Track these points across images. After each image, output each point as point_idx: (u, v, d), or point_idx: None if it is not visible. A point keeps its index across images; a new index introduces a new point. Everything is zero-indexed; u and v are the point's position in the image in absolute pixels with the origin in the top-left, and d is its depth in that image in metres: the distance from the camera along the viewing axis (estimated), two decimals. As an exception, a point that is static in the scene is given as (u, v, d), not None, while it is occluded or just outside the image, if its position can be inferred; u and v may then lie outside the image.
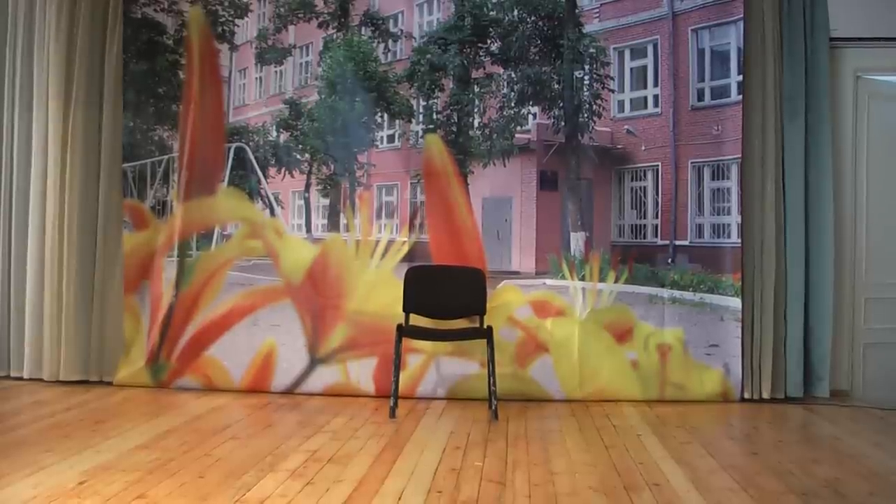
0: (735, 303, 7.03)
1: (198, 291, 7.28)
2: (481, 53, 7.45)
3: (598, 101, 7.41)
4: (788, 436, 6.15)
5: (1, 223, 7.48)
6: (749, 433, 6.30)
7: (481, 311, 6.88)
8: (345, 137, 7.53)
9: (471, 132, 7.45)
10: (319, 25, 7.62)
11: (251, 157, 7.55)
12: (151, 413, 6.31)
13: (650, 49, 7.39)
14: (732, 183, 7.16)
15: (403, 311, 6.83)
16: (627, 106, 7.48)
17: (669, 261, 7.27)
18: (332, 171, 7.60)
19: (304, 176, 7.64)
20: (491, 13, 7.45)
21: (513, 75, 7.45)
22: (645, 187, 7.42)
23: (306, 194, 7.63)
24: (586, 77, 7.45)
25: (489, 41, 7.45)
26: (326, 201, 7.63)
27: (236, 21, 7.67)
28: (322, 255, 7.25)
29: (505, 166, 7.44)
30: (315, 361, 7.15)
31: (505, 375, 6.79)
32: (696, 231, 7.29)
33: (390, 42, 7.63)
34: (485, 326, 6.73)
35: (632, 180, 7.47)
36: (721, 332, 7.07)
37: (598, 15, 7.43)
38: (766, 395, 6.95)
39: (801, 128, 7.04)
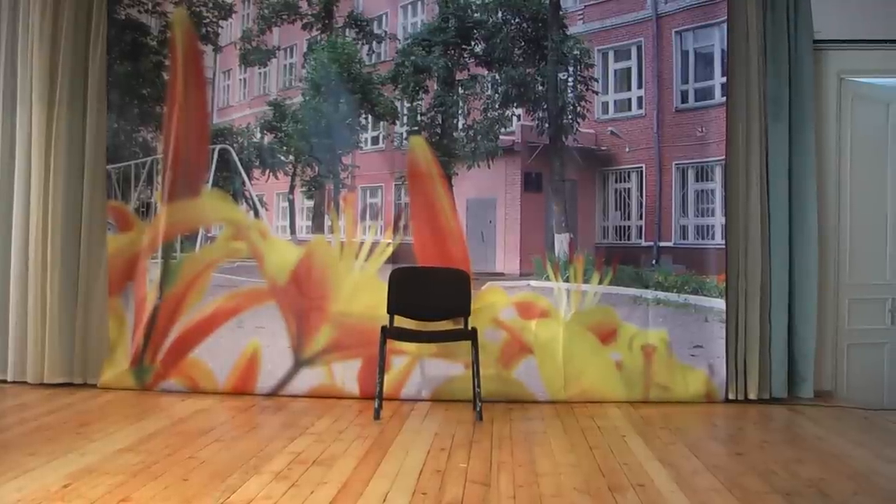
0: (719, 304, 7.05)
1: (182, 293, 7.26)
2: (465, 55, 7.46)
3: (583, 103, 7.42)
4: (772, 436, 6.17)
5: (-16, 225, 7.46)
6: (733, 434, 6.33)
7: (466, 312, 6.87)
8: (329, 139, 7.52)
9: (455, 134, 7.46)
10: (304, 27, 7.61)
11: (235, 158, 7.54)
12: (136, 415, 6.29)
13: (634, 51, 7.41)
14: (717, 184, 7.18)
15: (388, 312, 6.81)
16: (612, 107, 7.50)
17: (654, 262, 7.28)
18: (317, 173, 7.60)
19: (289, 177, 7.63)
20: (475, 15, 7.45)
21: (497, 77, 7.46)
22: (629, 189, 7.44)
23: (290, 196, 7.62)
24: (570, 79, 7.47)
25: (473, 43, 7.46)
26: (311, 203, 7.63)
27: (220, 22, 7.66)
28: (306, 257, 7.24)
29: (489, 168, 7.45)
30: (299, 363, 7.14)
31: (489, 377, 6.81)
32: (680, 232, 7.31)
33: (374, 44, 7.62)
34: (469, 328, 6.73)
35: (616, 182, 7.49)
36: (705, 333, 7.09)
37: (582, 16, 7.44)
38: (750, 396, 6.97)
39: (785, 129, 7.07)
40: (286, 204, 7.66)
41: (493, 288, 7.30)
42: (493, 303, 7.19)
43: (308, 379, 7.10)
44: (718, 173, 7.14)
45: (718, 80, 7.18)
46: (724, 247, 7.06)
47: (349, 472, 4.83)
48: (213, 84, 7.78)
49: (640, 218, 7.39)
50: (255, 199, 7.56)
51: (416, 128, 7.48)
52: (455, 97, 7.46)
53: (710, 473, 4.90)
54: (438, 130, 7.43)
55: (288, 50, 7.78)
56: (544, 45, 7.37)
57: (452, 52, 7.43)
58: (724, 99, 7.07)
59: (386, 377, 6.61)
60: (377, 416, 6.31)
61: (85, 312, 7.31)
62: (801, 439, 5.96)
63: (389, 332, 6.63)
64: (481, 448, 5.45)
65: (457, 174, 7.39)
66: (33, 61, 7.30)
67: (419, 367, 7.08)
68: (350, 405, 6.74)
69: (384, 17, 7.66)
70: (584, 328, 7.12)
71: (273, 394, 7.10)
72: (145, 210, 7.48)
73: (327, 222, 7.49)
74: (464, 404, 6.66)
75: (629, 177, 7.44)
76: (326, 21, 7.57)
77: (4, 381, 7.33)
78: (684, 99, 7.32)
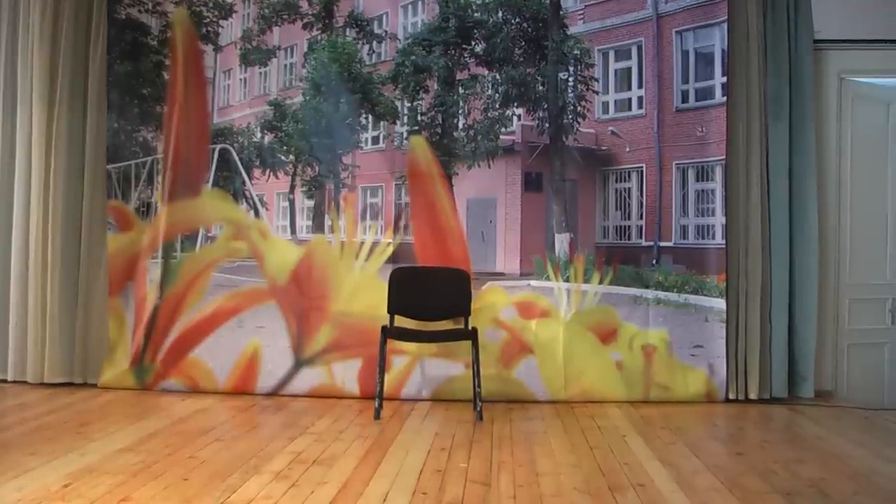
0: (719, 304, 7.04)
1: (182, 293, 7.25)
2: (466, 55, 7.45)
3: (583, 103, 7.41)
4: (773, 436, 6.17)
5: (-16, 225, 7.46)
6: (734, 433, 6.33)
7: (466, 312, 6.87)
8: (329, 139, 7.52)
9: (455, 133, 7.46)
10: (304, 27, 7.60)
11: (236, 158, 7.53)
12: (136, 415, 6.28)
13: (634, 50, 7.40)
14: (717, 184, 7.18)
15: (388, 312, 6.80)
16: (612, 107, 7.49)
17: (654, 262, 7.28)
18: (317, 173, 7.59)
19: (289, 177, 7.63)
20: (475, 14, 7.44)
21: (497, 77, 7.45)
22: (629, 188, 7.44)
23: (291, 196, 7.62)
24: (571, 78, 7.46)
25: (473, 42, 7.46)
26: (311, 203, 7.62)
27: (221, 22, 7.65)
28: (307, 257, 7.23)
29: (490, 168, 7.45)
30: (300, 363, 7.13)
31: (490, 377, 6.80)
32: (680, 232, 7.31)
33: (375, 43, 7.62)
34: (470, 328, 6.73)
35: (616, 181, 7.48)
36: (706, 333, 7.09)
37: (582, 16, 7.44)
38: (750, 396, 6.97)
39: (786, 129, 7.06)
40: (286, 204, 7.66)
41: (493, 288, 7.29)
42: (494, 303, 7.18)
43: (308, 379, 7.10)
44: (719, 173, 7.14)
45: (719, 79, 7.18)
46: (724, 246, 7.06)
47: (349, 472, 4.82)
48: (214, 84, 7.78)
49: (641, 218, 7.38)
50: (256, 199, 7.56)
51: (416, 127, 7.47)
52: (455, 97, 7.46)
53: (711, 473, 4.90)
54: (439, 130, 7.43)
55: (288, 50, 7.78)
56: (545, 45, 7.37)
57: (453, 51, 7.43)
58: (725, 99, 7.06)
59: (386, 377, 6.60)
60: (377, 415, 6.31)
61: (85, 312, 7.31)
62: (801, 439, 5.96)
63: (390, 332, 6.62)
64: (481, 448, 5.44)
65: (457, 174, 7.39)
66: (33, 61, 7.29)
67: (419, 367, 7.08)
68: (350, 405, 6.74)
69: (384, 17, 7.65)
70: (584, 328, 7.11)
71: (273, 393, 7.09)
72: (145, 210, 7.48)
73: (327, 222, 7.48)
74: (464, 404, 6.66)
75: (629, 176, 7.44)
76: (327, 21, 7.56)
77: (4, 381, 7.33)
78: (685, 99, 7.31)
